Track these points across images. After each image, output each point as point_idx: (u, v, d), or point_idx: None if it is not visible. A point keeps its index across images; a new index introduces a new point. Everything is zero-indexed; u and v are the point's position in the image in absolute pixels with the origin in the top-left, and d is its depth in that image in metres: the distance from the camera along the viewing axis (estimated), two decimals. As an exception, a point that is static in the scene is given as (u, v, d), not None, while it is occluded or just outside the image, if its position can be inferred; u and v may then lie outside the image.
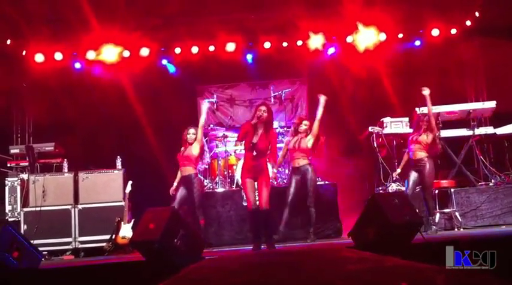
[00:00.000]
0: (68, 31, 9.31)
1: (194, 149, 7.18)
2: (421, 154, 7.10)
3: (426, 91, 7.13)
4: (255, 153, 6.13)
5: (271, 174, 6.78)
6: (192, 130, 7.26)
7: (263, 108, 6.22)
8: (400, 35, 9.93)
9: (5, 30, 9.16)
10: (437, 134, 7.20)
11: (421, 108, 8.18)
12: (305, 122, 7.34)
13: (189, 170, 7.16)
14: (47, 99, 9.77)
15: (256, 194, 6.27)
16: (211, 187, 8.72)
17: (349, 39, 9.79)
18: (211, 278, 3.26)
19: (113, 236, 7.51)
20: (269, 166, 6.52)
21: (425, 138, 7.12)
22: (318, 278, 2.81)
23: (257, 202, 6.26)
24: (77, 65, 10.00)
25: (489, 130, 8.32)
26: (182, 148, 7.31)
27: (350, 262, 3.41)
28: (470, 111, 8.29)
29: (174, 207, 6.62)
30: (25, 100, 10.06)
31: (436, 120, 8.15)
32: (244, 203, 7.71)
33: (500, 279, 2.37)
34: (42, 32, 9.17)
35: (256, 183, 6.21)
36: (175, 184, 7.28)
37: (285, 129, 9.19)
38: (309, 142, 7.18)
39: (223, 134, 9.12)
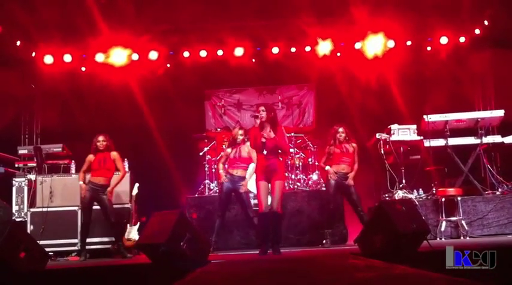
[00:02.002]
0: (78, 35, 9.35)
1: (118, 163, 7.16)
2: (348, 169, 7.25)
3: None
4: (265, 152, 6.13)
5: None
6: (101, 138, 7.18)
7: (261, 108, 6.26)
8: (409, 43, 9.93)
9: (16, 35, 9.22)
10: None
11: (429, 116, 8.17)
12: (240, 132, 7.31)
13: (103, 180, 7.16)
14: (55, 101, 9.86)
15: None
16: (217, 190, 8.71)
17: (357, 45, 9.80)
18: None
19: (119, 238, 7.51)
20: None
21: (350, 149, 7.28)
22: (327, 285, 2.81)
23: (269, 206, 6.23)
24: (85, 68, 10.04)
25: (497, 138, 8.29)
26: (93, 156, 7.17)
27: (358, 269, 3.40)
28: (478, 119, 8.26)
29: (181, 210, 6.60)
30: (33, 101, 10.12)
31: (443, 128, 8.17)
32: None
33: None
34: (52, 36, 9.22)
35: (269, 184, 6.20)
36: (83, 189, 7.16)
37: (293, 134, 9.21)
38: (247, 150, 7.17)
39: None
